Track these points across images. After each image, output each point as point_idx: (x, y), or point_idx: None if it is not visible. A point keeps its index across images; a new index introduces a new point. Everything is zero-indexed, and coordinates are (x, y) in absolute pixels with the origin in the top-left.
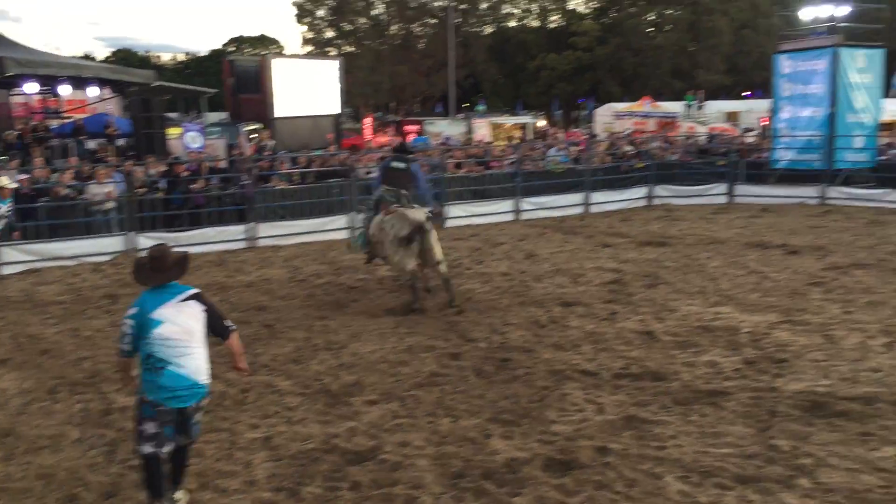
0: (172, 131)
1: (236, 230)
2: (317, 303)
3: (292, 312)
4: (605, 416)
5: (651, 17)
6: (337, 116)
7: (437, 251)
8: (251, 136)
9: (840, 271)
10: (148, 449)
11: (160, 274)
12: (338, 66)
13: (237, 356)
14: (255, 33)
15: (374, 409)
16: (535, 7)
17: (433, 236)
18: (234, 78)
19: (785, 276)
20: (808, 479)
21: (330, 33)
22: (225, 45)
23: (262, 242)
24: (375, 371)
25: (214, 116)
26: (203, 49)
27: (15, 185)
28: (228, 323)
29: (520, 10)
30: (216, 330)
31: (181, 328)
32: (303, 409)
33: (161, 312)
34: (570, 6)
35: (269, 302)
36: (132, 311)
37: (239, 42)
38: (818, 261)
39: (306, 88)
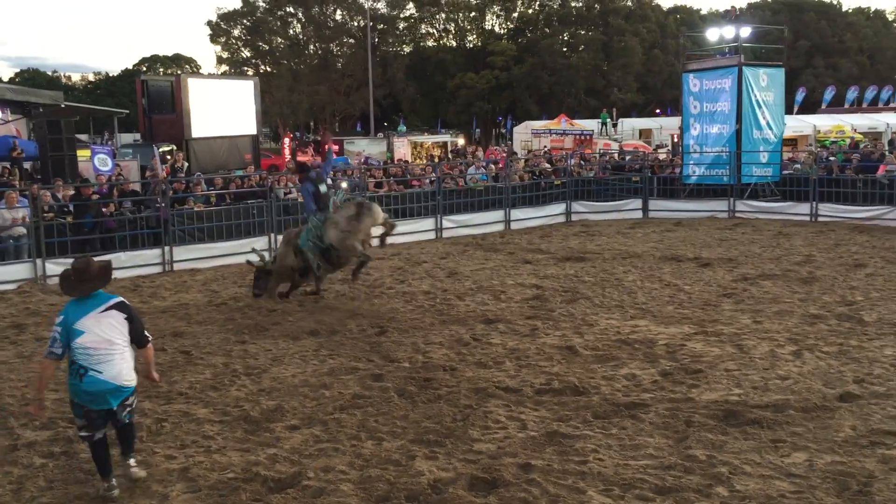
0: (82, 153)
1: (151, 254)
2: (236, 327)
3: (210, 338)
4: (528, 433)
5: (565, 37)
6: (255, 137)
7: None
8: (166, 158)
9: (749, 282)
10: (84, 433)
11: (84, 284)
12: (254, 85)
13: (150, 366)
14: (169, 52)
15: (295, 434)
16: (452, 27)
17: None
18: (146, 98)
19: (698, 289)
20: (724, 487)
21: (246, 53)
22: (137, 64)
23: (178, 266)
24: (297, 395)
25: (127, 137)
26: (115, 69)
27: None
28: (147, 334)
29: (437, 31)
30: (135, 338)
31: (100, 338)
32: (222, 437)
33: (82, 323)
34: (487, 26)
35: (186, 327)
36: (59, 318)
37: (152, 61)
38: (729, 273)
39: (222, 108)
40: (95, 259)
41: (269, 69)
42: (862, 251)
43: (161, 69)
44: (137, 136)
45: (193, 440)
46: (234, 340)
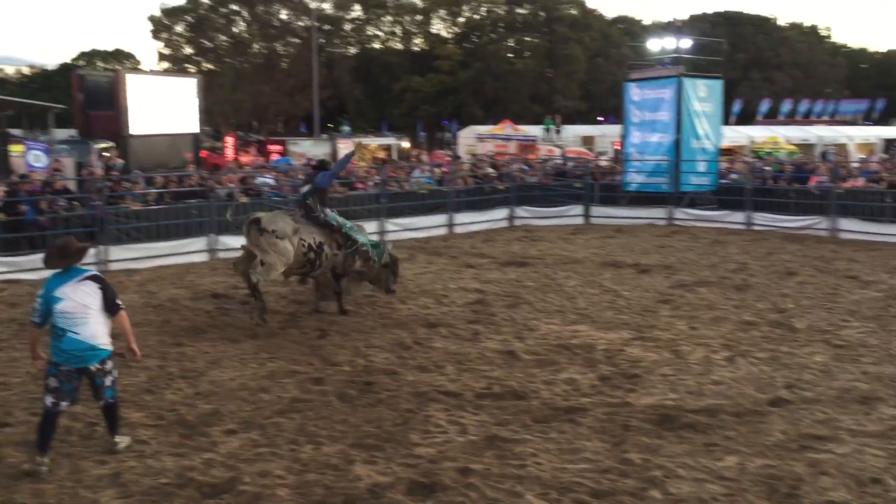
0: (15, 149)
1: None
2: (173, 329)
3: (146, 340)
4: (468, 437)
5: (511, 43)
6: (196, 135)
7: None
8: (103, 155)
9: (686, 289)
10: (49, 400)
11: (64, 259)
12: (196, 83)
13: (128, 335)
14: (109, 47)
15: (232, 438)
16: (398, 30)
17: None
18: (83, 93)
19: (637, 295)
20: (658, 490)
21: (189, 50)
22: (75, 58)
23: (114, 266)
24: (235, 399)
25: (63, 133)
26: (51, 62)
27: None
28: (119, 302)
29: (383, 33)
30: (107, 305)
31: (77, 303)
32: (156, 441)
33: (61, 291)
34: (433, 30)
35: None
36: (41, 291)
37: (91, 56)
38: (666, 279)
39: (163, 106)
40: (74, 241)
41: (211, 67)
42: (793, 259)
43: (100, 64)
44: (74, 132)
45: (125, 445)
46: (171, 343)
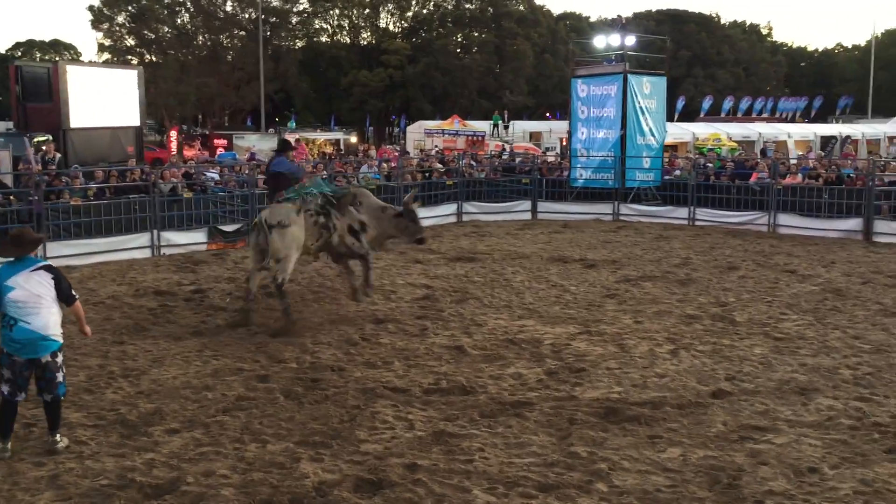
0: None
1: None
2: (114, 327)
3: (85, 338)
4: (415, 433)
5: (459, 38)
6: (138, 128)
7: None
8: (42, 149)
9: (631, 283)
10: (5, 388)
11: (18, 248)
12: (137, 75)
13: (81, 321)
14: (47, 37)
15: (175, 438)
16: (346, 23)
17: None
18: (20, 85)
19: (583, 289)
20: (603, 482)
21: (130, 41)
22: (11, 49)
23: (52, 262)
24: (178, 397)
25: (0, 126)
26: None
27: None
28: (74, 293)
29: (331, 26)
30: (63, 296)
31: (29, 292)
32: (95, 442)
33: (14, 280)
34: (381, 24)
35: None
36: None
37: (28, 46)
38: (612, 274)
39: (104, 98)
40: (29, 230)
41: (154, 59)
42: (735, 254)
43: (38, 55)
44: (10, 124)
45: (64, 446)
46: (112, 341)
